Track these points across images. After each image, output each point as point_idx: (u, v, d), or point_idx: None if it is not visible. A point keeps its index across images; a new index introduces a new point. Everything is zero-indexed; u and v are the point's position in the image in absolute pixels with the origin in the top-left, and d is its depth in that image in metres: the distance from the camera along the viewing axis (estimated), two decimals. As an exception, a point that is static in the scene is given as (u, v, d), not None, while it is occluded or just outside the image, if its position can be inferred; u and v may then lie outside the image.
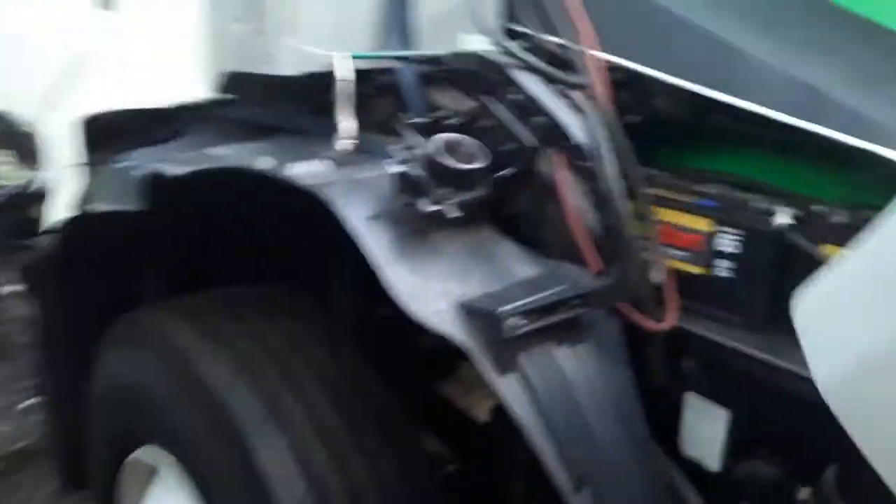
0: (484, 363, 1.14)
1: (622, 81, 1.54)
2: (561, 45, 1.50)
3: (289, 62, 1.45)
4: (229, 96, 1.62)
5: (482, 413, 2.22)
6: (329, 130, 1.51)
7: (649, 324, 1.35)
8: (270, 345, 1.47)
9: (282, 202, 1.41)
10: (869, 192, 1.44)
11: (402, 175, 1.25)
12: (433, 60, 1.51)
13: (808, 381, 1.29)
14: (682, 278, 1.42)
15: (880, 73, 1.39)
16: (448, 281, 1.21)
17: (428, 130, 1.36)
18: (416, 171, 1.24)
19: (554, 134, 1.31)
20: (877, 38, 1.45)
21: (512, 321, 1.15)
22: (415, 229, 1.25)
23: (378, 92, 1.55)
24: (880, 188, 1.43)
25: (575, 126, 1.30)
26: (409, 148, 1.29)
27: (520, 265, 1.30)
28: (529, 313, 1.17)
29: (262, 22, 1.41)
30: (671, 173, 1.59)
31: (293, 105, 1.67)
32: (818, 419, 1.27)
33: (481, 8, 1.52)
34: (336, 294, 2.03)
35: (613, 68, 1.51)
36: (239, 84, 1.58)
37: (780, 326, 1.38)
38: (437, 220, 1.23)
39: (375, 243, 1.20)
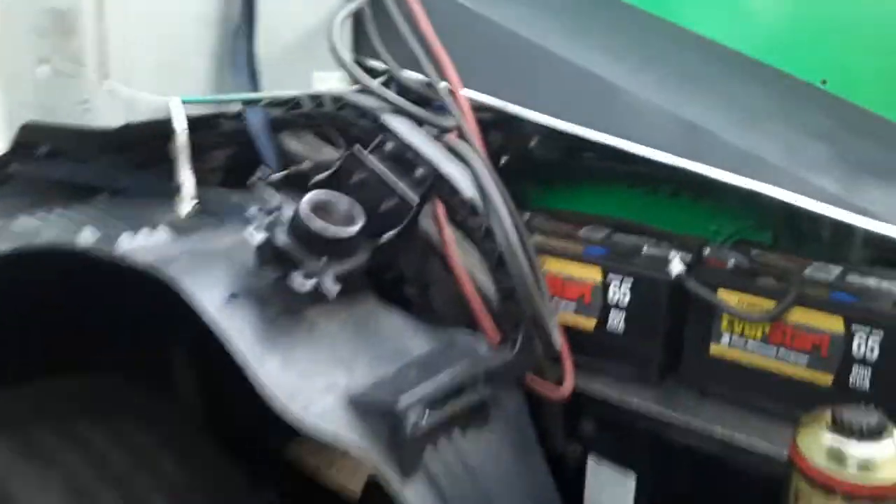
0: (387, 470, 0.96)
1: (489, 121, 1.43)
2: (427, 84, 1.37)
3: (110, 109, 1.21)
4: (33, 152, 1.35)
5: (347, 480, 2.04)
6: (161, 189, 1.28)
7: (550, 391, 1.22)
8: (106, 459, 1.19)
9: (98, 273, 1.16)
10: (752, 230, 1.41)
11: (266, 244, 1.04)
12: (286, 103, 1.32)
13: (709, 438, 1.24)
14: (573, 332, 1.31)
15: (760, 109, 1.36)
16: (332, 370, 1.02)
17: (288, 186, 1.16)
18: (282, 238, 1.04)
19: (438, 188, 1.15)
20: (756, 74, 1.42)
21: (414, 415, 0.97)
22: (285, 309, 1.04)
23: (222, 141, 1.33)
24: (763, 225, 1.41)
25: (462, 178, 1.15)
26: (269, 210, 1.08)
27: (411, 339, 1.13)
28: (432, 402, 1.00)
29: (77, 63, 1.16)
30: (546, 217, 1.49)
31: (113, 159, 1.41)
32: (724, 476, 1.23)
33: (337, 42, 1.34)
34: (176, 371, 1.77)
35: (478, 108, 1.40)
36: (45, 137, 1.31)
37: (677, 377, 1.32)
38: (312, 297, 1.03)
39: (238, 331, 0.98)
